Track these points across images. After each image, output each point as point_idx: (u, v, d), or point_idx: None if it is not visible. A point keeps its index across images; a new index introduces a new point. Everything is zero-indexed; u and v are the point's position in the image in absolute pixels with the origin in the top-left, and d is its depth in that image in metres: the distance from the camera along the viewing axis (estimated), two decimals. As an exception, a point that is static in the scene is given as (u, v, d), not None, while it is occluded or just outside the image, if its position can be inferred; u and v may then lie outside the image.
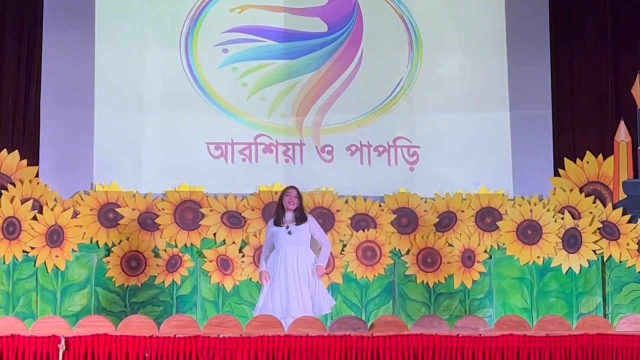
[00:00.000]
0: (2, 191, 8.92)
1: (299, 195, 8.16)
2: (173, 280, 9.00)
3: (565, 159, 9.62)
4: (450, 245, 9.27)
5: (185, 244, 9.06)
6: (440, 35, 9.88)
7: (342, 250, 9.18)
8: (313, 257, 8.10)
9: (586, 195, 9.43)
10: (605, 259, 9.24)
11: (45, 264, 8.81)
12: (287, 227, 8.05)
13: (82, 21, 9.44)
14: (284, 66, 9.70)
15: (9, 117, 9.36)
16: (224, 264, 9.03)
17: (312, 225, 8.14)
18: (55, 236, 8.82)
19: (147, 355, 5.16)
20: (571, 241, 9.21)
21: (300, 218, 8.10)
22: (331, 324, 5.41)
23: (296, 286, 7.88)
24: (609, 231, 9.23)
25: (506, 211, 9.32)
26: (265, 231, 8.30)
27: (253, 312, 8.04)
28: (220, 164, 9.48)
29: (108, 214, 9.02)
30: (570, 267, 9.19)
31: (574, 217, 9.28)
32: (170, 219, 9.08)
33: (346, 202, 9.31)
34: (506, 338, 5.31)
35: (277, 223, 8.11)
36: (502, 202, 9.40)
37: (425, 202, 9.37)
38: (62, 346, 5.11)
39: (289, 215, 8.09)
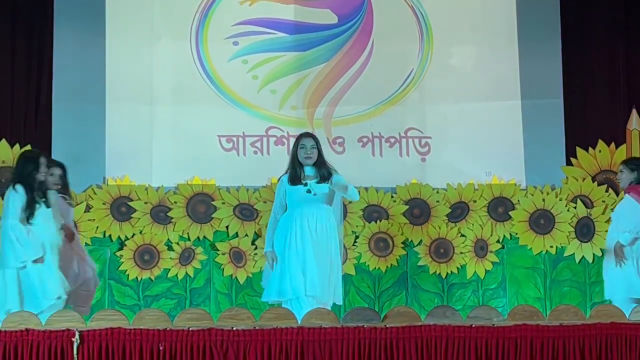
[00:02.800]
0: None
1: (317, 145, 7.29)
2: (186, 273, 9.02)
3: (578, 147, 9.60)
4: (462, 235, 9.27)
5: (198, 237, 9.08)
6: (451, 25, 9.86)
7: (355, 242, 9.18)
8: (336, 224, 7.15)
9: (599, 184, 9.42)
10: (618, 248, 9.22)
11: (58, 258, 8.83)
12: (306, 184, 7.12)
13: (92, 15, 9.45)
14: (294, 58, 9.70)
15: (21, 112, 9.38)
16: (237, 257, 9.05)
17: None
18: (68, 230, 8.85)
19: (161, 348, 5.17)
20: (584, 230, 9.20)
21: (325, 175, 7.12)
22: (344, 316, 5.42)
23: (315, 258, 6.98)
24: (622, 220, 9.21)
25: (518, 201, 9.32)
26: (277, 188, 7.38)
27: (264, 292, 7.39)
28: (232, 157, 9.49)
29: (121, 208, 9.04)
30: (583, 256, 9.18)
31: (586, 206, 9.27)
32: (183, 212, 9.09)
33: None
34: (520, 328, 5.31)
35: (294, 180, 7.17)
36: (515, 191, 9.38)
37: (437, 192, 9.37)
38: (76, 340, 5.13)
39: (309, 170, 7.20)
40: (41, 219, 7.25)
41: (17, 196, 7.22)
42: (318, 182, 7.13)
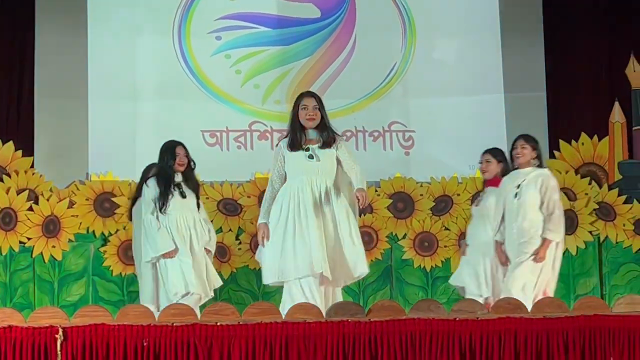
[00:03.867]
0: (-2, 182, 8.92)
1: (320, 106, 6.51)
2: (170, 268, 8.99)
3: (560, 140, 9.62)
4: (446, 229, 9.26)
5: (182, 232, 9.04)
6: (434, 19, 9.89)
7: (339, 236, 9.16)
8: (344, 195, 6.47)
9: (582, 177, 9.43)
10: (601, 240, 9.23)
11: (42, 255, 8.79)
12: (308, 150, 6.38)
13: (74, 11, 9.45)
14: (277, 52, 9.71)
15: (3, 108, 9.37)
16: (221, 252, 9.01)
17: (339, 151, 6.49)
18: (51, 226, 8.82)
19: (145, 344, 5.16)
20: (567, 223, 9.17)
21: (328, 139, 6.37)
22: (328, 310, 5.42)
23: (322, 232, 6.32)
24: (605, 212, 9.22)
25: (502, 194, 9.32)
26: (274, 155, 6.63)
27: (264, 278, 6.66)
28: (216, 152, 9.49)
29: (104, 204, 9.00)
30: (566, 249, 9.18)
31: (569, 199, 9.27)
32: (167, 207, 9.06)
33: (342, 187, 9.30)
34: (503, 321, 5.32)
35: (294, 145, 6.41)
36: (498, 185, 9.39)
37: (421, 186, 9.36)
38: (59, 336, 5.11)
39: (312, 134, 6.45)
40: (176, 210, 7.39)
41: (148, 191, 7.46)
42: (321, 147, 6.42)
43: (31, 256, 8.80)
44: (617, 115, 9.60)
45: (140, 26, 9.59)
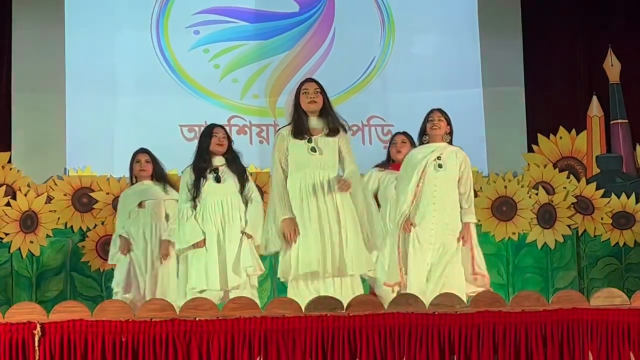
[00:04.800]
0: (-25, 178, 8.87)
1: (322, 90, 6.32)
2: (149, 263, 8.96)
3: (539, 134, 9.65)
4: (425, 223, 9.26)
5: (161, 227, 9.02)
6: (412, 13, 9.88)
7: (318, 230, 9.13)
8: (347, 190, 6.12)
9: (560, 171, 9.47)
10: (579, 234, 9.28)
11: (20, 250, 8.76)
12: (310, 141, 6.12)
13: (51, 4, 9.38)
14: (256, 47, 9.68)
15: (-21, 103, 9.30)
16: (200, 247, 9.00)
17: (341, 142, 6.25)
18: (29, 222, 8.78)
19: (123, 339, 5.14)
20: (546, 217, 9.24)
21: (333, 128, 6.15)
22: (307, 304, 5.41)
23: (330, 231, 6.14)
24: (583, 206, 9.27)
25: (481, 188, 9.34)
26: (276, 144, 6.29)
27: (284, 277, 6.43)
28: (194, 146, 9.42)
29: (82, 199, 8.98)
30: (545, 243, 9.22)
31: (548, 193, 9.31)
32: (145, 202, 9.03)
33: (321, 182, 9.28)
34: (482, 314, 5.33)
35: (298, 132, 6.15)
36: (477, 179, 9.36)
37: (400, 180, 9.36)
38: (37, 332, 5.09)
39: (315, 122, 6.21)
40: (210, 195, 7.03)
41: (183, 179, 7.19)
42: (327, 135, 6.18)
43: (9, 252, 8.77)
44: (595, 109, 9.63)
45: (118, 20, 9.54)
